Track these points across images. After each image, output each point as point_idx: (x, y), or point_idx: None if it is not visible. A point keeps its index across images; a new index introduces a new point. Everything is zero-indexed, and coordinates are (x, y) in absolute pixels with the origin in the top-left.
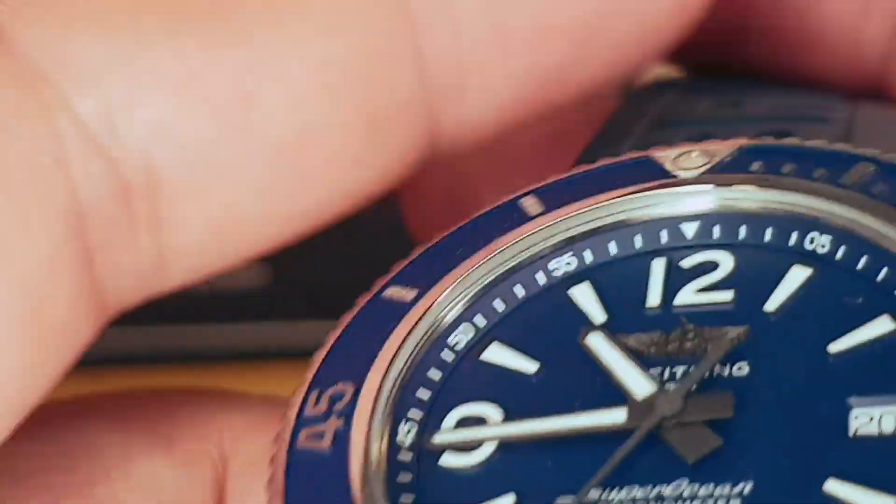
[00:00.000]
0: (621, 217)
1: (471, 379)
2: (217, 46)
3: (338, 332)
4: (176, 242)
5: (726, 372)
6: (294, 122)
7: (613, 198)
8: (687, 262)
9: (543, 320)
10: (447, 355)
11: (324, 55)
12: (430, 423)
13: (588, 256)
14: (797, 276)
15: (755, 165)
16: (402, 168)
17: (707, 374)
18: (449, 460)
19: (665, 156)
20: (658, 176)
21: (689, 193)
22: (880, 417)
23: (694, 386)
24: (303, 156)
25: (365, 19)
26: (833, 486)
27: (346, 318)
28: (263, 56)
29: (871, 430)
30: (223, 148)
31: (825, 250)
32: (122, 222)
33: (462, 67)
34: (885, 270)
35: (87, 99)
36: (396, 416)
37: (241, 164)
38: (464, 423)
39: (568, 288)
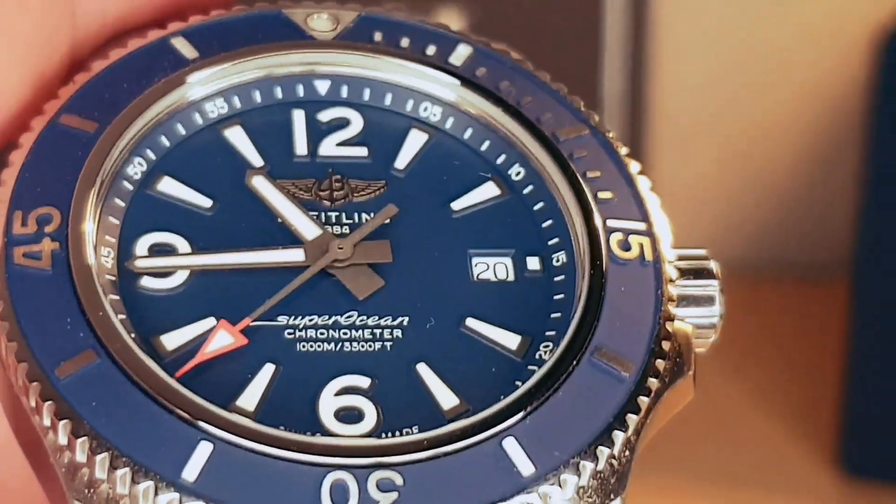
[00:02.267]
0: (265, 71)
1: (151, 209)
2: None
3: (23, 154)
4: None
5: (374, 220)
6: None
7: (264, 51)
8: (323, 116)
9: (206, 159)
10: (126, 186)
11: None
12: (124, 248)
13: (237, 102)
14: (417, 138)
15: (377, 35)
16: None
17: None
18: (148, 282)
19: (296, 13)
20: (296, 34)
21: (326, 57)
22: (494, 266)
23: (362, 236)
24: None
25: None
26: (472, 323)
27: (28, 142)
28: None
29: (489, 275)
30: None
31: (437, 120)
32: None
33: None
34: (486, 143)
35: None
36: (96, 240)
37: None
38: (155, 250)
39: (222, 129)
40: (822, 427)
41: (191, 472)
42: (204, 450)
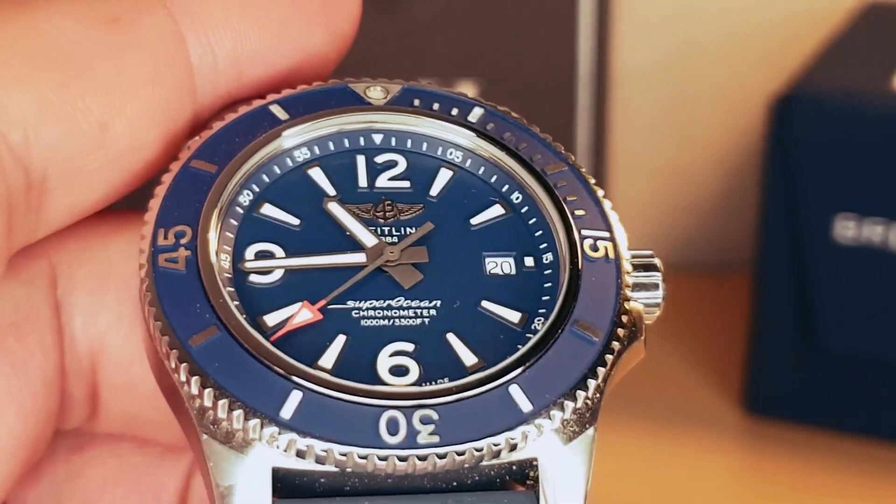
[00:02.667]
0: (337, 128)
1: (257, 227)
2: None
3: (164, 189)
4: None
5: (416, 233)
6: (130, 141)
7: (335, 114)
8: (378, 159)
9: (295, 190)
10: (239, 211)
11: (149, 98)
12: (237, 254)
13: (317, 150)
14: (445, 175)
15: (416, 102)
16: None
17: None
18: (254, 278)
19: (358, 86)
20: (357, 101)
21: (380, 117)
22: (501, 264)
23: (407, 244)
24: (131, 160)
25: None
26: (486, 304)
27: (167, 180)
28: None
29: (497, 270)
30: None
31: (459, 161)
32: (22, 208)
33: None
34: (495, 177)
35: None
36: (217, 249)
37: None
38: (259, 255)
39: (306, 169)
40: (730, 376)
41: (286, 412)
42: (295, 396)
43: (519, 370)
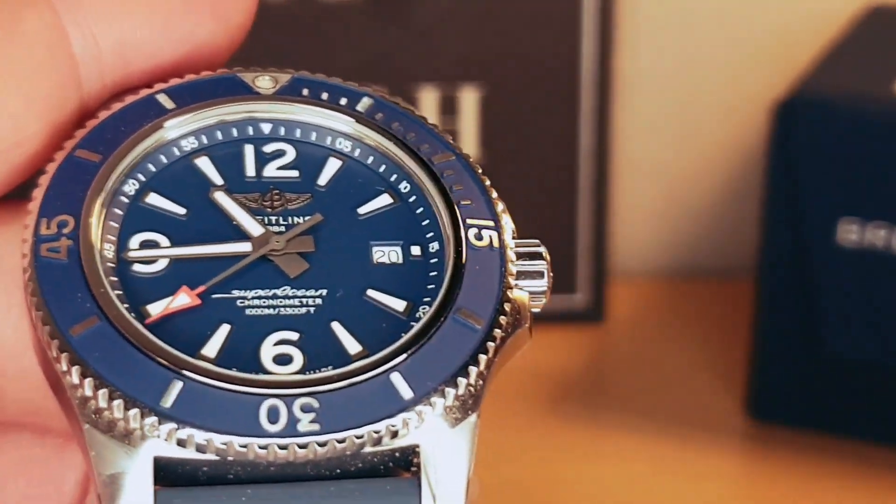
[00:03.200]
0: (224, 116)
1: (142, 216)
2: None
3: (48, 178)
4: None
5: (300, 221)
6: (13, 136)
7: (222, 103)
8: (267, 149)
9: (182, 180)
10: (123, 200)
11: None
12: (121, 244)
13: (204, 140)
14: (333, 164)
15: (305, 91)
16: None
17: (294, 226)
18: (138, 268)
19: (247, 75)
20: (246, 90)
21: (267, 106)
22: (388, 252)
23: (294, 234)
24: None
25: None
26: (371, 293)
27: (51, 169)
28: None
29: (384, 259)
30: None
31: (348, 150)
32: None
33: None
34: (383, 166)
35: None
36: (100, 239)
37: None
38: (144, 245)
39: (193, 159)
40: (734, 381)
41: (167, 402)
42: (176, 386)
43: (401, 358)
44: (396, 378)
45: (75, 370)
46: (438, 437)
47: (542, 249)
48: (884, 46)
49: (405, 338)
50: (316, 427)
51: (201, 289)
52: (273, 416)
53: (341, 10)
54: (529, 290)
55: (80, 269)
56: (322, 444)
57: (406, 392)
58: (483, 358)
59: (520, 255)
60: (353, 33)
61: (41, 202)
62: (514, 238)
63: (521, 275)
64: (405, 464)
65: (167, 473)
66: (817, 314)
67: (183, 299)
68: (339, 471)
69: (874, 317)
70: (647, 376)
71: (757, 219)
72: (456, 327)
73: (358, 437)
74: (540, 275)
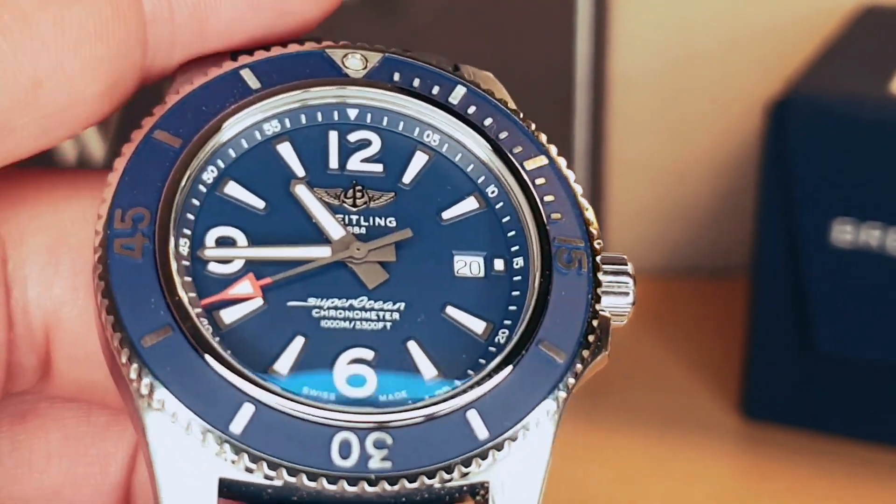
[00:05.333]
0: (311, 100)
1: (219, 208)
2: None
3: (124, 162)
4: None
5: (382, 223)
6: (66, 99)
7: (310, 85)
8: (352, 137)
9: (262, 168)
10: (201, 189)
11: (92, 53)
12: (197, 239)
13: (287, 123)
14: (420, 159)
15: (396, 76)
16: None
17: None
18: (213, 267)
19: (336, 53)
20: (334, 71)
21: (356, 91)
22: (470, 264)
23: (377, 246)
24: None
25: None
26: (451, 311)
27: (127, 151)
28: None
29: (466, 271)
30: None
31: (436, 145)
32: None
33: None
34: (471, 166)
35: None
36: (176, 234)
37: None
38: (220, 242)
39: (275, 145)
40: (727, 380)
41: (237, 427)
42: (247, 410)
43: (479, 392)
44: (473, 416)
45: (144, 383)
46: (509, 474)
47: (629, 267)
48: (877, 46)
49: (484, 371)
50: (388, 465)
51: (267, 281)
52: (345, 450)
53: (335, 11)
54: (613, 310)
55: (155, 272)
56: (393, 483)
57: (482, 432)
58: (562, 396)
59: (606, 274)
60: (346, 34)
61: (115, 190)
62: (600, 254)
63: (606, 294)
64: (472, 494)
65: (231, 490)
66: (810, 314)
67: (245, 288)
68: (404, 500)
69: (867, 317)
70: (640, 375)
71: (751, 218)
72: (537, 360)
73: (429, 477)
74: (625, 294)
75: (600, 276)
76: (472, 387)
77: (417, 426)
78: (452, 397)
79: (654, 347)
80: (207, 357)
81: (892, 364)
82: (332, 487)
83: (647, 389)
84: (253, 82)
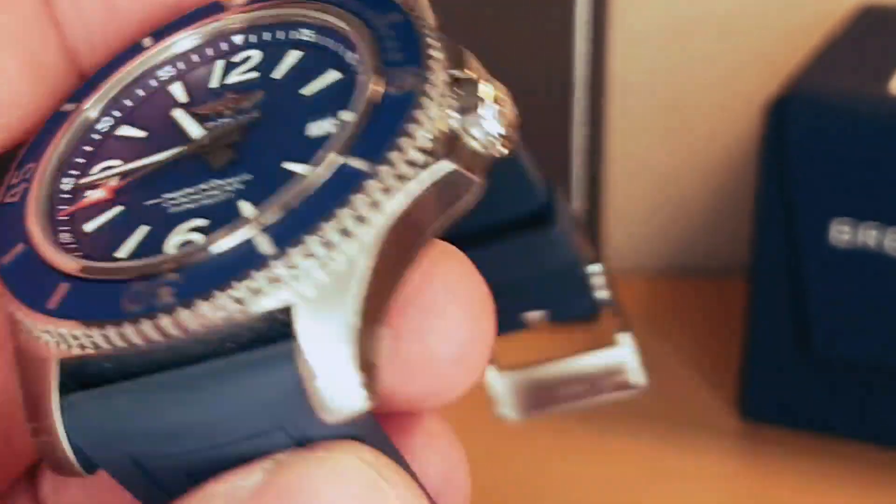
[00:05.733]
0: (198, 39)
1: (109, 147)
2: None
3: (34, 135)
4: None
5: (248, 117)
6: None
7: (195, 26)
8: (235, 59)
9: (152, 108)
10: (96, 137)
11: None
12: (81, 175)
13: (181, 65)
14: (293, 56)
15: None
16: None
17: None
18: (90, 193)
19: None
20: (219, 8)
21: (240, 17)
22: (322, 125)
23: (224, 129)
24: None
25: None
26: (286, 164)
27: (38, 127)
28: None
29: (318, 133)
30: None
31: (311, 38)
32: None
33: None
34: (340, 46)
35: None
36: (61, 173)
37: None
38: (103, 171)
39: (167, 86)
40: (725, 381)
41: (52, 304)
42: (62, 288)
43: (268, 216)
44: (261, 239)
45: (7, 299)
46: (315, 293)
47: (478, 79)
48: (877, 45)
49: (281, 191)
50: (171, 301)
51: (119, 184)
52: (135, 298)
53: None
54: (470, 130)
55: (24, 205)
56: (170, 313)
57: (267, 248)
58: (364, 202)
59: (457, 80)
60: None
61: (19, 159)
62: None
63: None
64: (283, 334)
65: (76, 377)
66: (809, 314)
67: (97, 193)
68: (217, 349)
69: (866, 317)
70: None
71: (749, 218)
72: (341, 174)
73: (215, 300)
74: (472, 106)
75: (433, 90)
76: (262, 213)
77: (206, 260)
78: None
79: (652, 347)
80: (47, 260)
81: (890, 364)
82: (120, 333)
83: (645, 389)
84: (148, 42)
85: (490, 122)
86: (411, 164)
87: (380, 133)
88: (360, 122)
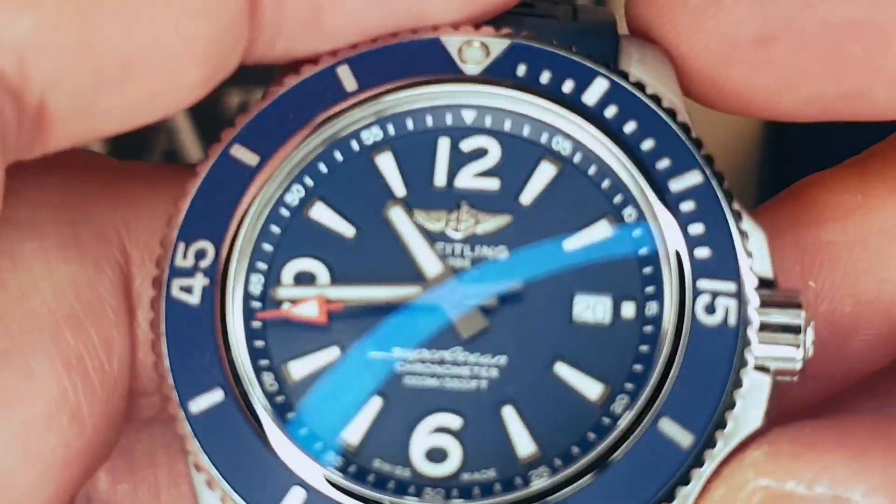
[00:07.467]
0: (418, 101)
1: (302, 235)
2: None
3: (196, 184)
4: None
5: (490, 254)
6: (161, 83)
7: (417, 84)
8: (465, 145)
9: (356, 185)
10: (284, 213)
11: (194, 32)
12: (271, 275)
13: (391, 129)
14: (545, 172)
15: (522, 69)
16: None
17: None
18: (296, 310)
19: (451, 42)
20: (448, 66)
21: (472, 88)
22: (595, 306)
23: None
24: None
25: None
26: (561, 368)
27: (202, 171)
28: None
29: (587, 316)
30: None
31: (567, 153)
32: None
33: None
34: (606, 181)
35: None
36: (249, 267)
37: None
38: (299, 279)
39: (375, 156)
40: None
41: None
42: (296, 495)
43: (583, 481)
44: None
45: (193, 449)
46: None
47: (801, 317)
48: None
49: (592, 453)
50: None
51: (338, 305)
52: None
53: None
54: (775, 363)
55: (211, 319)
56: None
57: None
58: (682, 490)
59: (764, 330)
60: None
61: (182, 220)
62: (765, 292)
63: (765, 341)
64: None
65: None
66: None
67: (308, 309)
68: None
69: None
70: None
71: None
72: (655, 443)
73: None
74: (794, 346)
75: (751, 332)
76: (572, 478)
77: None
78: (551, 490)
79: None
80: (259, 428)
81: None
82: None
83: None
84: (349, 82)
85: (798, 355)
86: (725, 441)
87: (699, 389)
88: (668, 363)
